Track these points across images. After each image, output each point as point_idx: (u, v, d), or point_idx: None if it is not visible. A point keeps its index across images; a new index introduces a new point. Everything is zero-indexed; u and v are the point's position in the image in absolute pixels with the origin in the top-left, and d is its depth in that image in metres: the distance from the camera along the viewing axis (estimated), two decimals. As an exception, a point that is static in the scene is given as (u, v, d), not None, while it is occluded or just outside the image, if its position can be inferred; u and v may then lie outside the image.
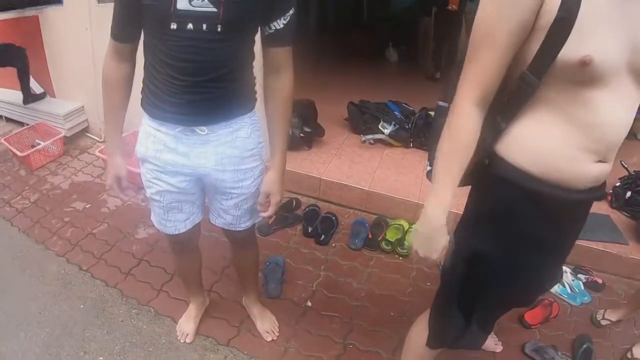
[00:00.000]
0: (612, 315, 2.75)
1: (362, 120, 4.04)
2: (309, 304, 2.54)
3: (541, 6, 1.06)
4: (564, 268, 3.01)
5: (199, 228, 1.97)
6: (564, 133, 1.18)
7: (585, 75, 1.09)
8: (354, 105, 4.15)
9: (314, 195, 3.43)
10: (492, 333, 2.47)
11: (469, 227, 1.42)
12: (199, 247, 2.15)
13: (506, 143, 1.25)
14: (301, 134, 3.56)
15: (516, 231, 1.31)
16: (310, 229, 3.04)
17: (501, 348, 2.44)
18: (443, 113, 1.30)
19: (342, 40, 7.44)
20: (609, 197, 3.65)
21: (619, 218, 3.40)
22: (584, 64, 1.06)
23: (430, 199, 1.27)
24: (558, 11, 1.05)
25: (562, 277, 1.60)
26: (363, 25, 7.85)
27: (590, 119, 1.15)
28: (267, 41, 1.58)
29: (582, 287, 2.93)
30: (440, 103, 1.39)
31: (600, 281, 3.00)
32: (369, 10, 8.22)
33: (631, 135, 5.50)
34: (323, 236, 2.98)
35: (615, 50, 1.08)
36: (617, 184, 3.68)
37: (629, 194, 3.55)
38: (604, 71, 1.09)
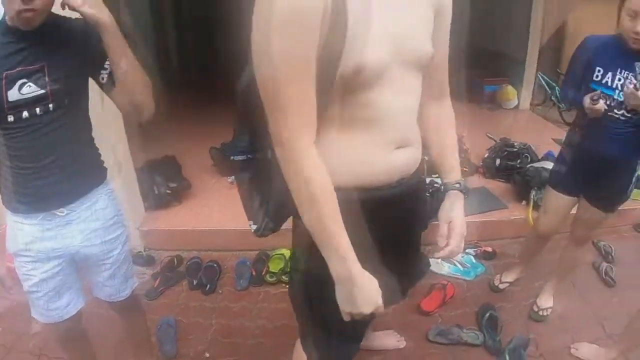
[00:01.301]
0: (509, 277, 2.93)
1: (227, 161, 4.11)
2: (207, 355, 2.58)
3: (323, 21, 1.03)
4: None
5: (81, 314, 1.96)
6: (353, 140, 1.22)
7: (361, 81, 1.12)
8: (216, 150, 4.23)
9: (194, 248, 3.46)
10: (392, 330, 2.58)
11: (301, 250, 1.39)
12: (87, 331, 2.12)
13: None
14: (167, 191, 3.59)
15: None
16: (195, 282, 3.08)
17: (404, 343, 2.54)
18: (244, 168, 1.35)
19: (200, 85, 7.44)
20: (481, 170, 3.95)
21: (495, 186, 3.71)
22: (359, 71, 1.09)
23: (334, 261, 1.17)
24: (330, 22, 1.03)
25: (429, 267, 1.69)
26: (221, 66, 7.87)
27: (373, 117, 1.20)
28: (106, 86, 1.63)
29: (474, 260, 3.11)
30: (238, 158, 1.39)
31: (490, 249, 3.21)
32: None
33: (497, 105, 6.03)
34: (208, 285, 3.04)
35: (384, 49, 1.13)
36: (486, 155, 3.98)
37: (498, 161, 3.86)
38: (377, 71, 1.13)
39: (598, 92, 2.15)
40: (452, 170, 1.49)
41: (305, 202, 1.15)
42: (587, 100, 2.16)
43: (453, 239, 1.40)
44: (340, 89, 1.13)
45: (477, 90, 6.38)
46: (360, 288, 1.19)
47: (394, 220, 1.36)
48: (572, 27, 6.21)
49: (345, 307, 1.23)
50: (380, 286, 1.28)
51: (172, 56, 7.32)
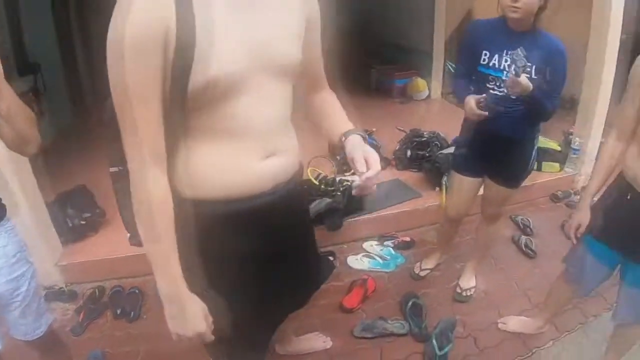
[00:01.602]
0: (429, 263, 2.97)
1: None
2: (137, 383, 2.52)
3: (165, 43, 1.05)
4: (370, 242, 3.24)
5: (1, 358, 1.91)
6: (218, 151, 1.23)
7: (217, 93, 1.13)
8: (128, 174, 4.11)
9: (116, 277, 3.37)
10: (317, 332, 2.58)
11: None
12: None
13: (185, 184, 1.25)
14: (82, 222, 3.47)
15: (233, 260, 1.33)
16: (119, 311, 3.01)
17: (330, 343, 2.55)
18: (118, 179, 1.34)
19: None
20: (393, 162, 4.03)
21: (407, 176, 3.78)
22: (213, 84, 1.10)
23: (164, 281, 1.21)
24: (176, 41, 1.04)
25: (333, 268, 1.66)
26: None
27: (236, 127, 1.21)
28: None
29: (393, 252, 3.15)
30: (112, 169, 1.37)
31: (408, 239, 3.26)
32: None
33: (408, 98, 6.16)
34: (132, 313, 2.98)
35: (239, 60, 1.14)
36: (397, 148, 4.03)
37: (408, 152, 3.92)
38: (234, 82, 1.14)
39: (484, 96, 2.19)
40: (348, 125, 1.45)
41: (144, 222, 1.18)
42: (471, 101, 2.20)
43: (373, 161, 1.29)
44: (196, 103, 1.14)
45: (388, 86, 6.55)
46: (185, 311, 1.23)
47: (275, 227, 1.39)
48: (478, 14, 6.43)
49: (172, 328, 1.26)
50: (269, 302, 1.39)
51: (83, 82, 7.10)
